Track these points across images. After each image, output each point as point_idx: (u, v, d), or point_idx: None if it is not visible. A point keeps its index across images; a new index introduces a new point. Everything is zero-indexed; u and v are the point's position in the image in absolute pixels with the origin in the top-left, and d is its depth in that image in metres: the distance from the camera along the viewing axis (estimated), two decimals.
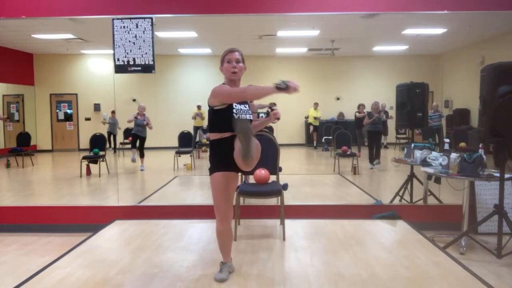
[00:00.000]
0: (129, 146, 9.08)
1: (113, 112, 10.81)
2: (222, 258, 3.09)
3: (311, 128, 12.01)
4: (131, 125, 8.98)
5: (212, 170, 2.84)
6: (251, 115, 2.86)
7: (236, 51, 2.86)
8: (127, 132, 9.78)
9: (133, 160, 8.84)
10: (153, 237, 3.98)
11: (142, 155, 8.82)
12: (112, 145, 10.83)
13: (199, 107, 10.62)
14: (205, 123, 10.61)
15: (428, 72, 9.88)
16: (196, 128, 10.55)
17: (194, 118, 10.57)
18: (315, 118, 11.76)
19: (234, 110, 2.76)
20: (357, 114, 9.37)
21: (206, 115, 10.41)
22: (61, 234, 4.37)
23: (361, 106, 9.75)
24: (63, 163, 11.25)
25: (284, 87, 2.41)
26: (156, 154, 11.19)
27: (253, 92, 2.65)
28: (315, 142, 11.97)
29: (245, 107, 2.86)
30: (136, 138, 8.84)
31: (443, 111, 9.69)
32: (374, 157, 8.56)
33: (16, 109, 12.15)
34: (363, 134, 9.68)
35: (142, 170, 8.70)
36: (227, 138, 2.77)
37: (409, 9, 4.59)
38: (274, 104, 3.02)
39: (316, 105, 11.85)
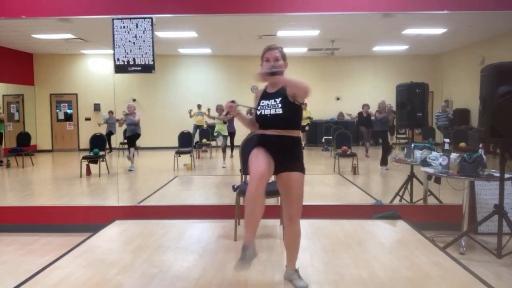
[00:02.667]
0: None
1: (111, 112, 10.79)
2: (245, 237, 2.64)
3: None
4: (125, 126, 8.94)
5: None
6: (280, 109, 2.58)
7: (274, 48, 2.67)
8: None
9: (129, 158, 8.75)
10: (153, 237, 3.98)
11: (131, 146, 8.76)
12: (112, 145, 10.79)
13: (199, 106, 10.61)
14: (202, 122, 10.61)
15: (428, 72, 9.88)
16: (196, 127, 10.53)
17: (191, 116, 10.57)
18: (307, 117, 11.72)
19: (259, 107, 2.66)
20: (377, 114, 9.00)
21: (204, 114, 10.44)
22: (61, 234, 4.37)
23: (365, 106, 9.77)
24: (63, 163, 11.25)
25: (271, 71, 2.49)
26: (156, 154, 11.20)
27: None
28: (303, 142, 11.89)
29: (275, 101, 2.62)
30: (129, 139, 8.77)
31: (447, 111, 9.72)
32: (388, 153, 8.40)
33: (16, 109, 12.15)
34: (368, 132, 9.66)
35: (131, 170, 8.62)
36: (261, 136, 2.68)
37: (409, 9, 4.58)
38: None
39: (305, 105, 11.81)
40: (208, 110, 10.31)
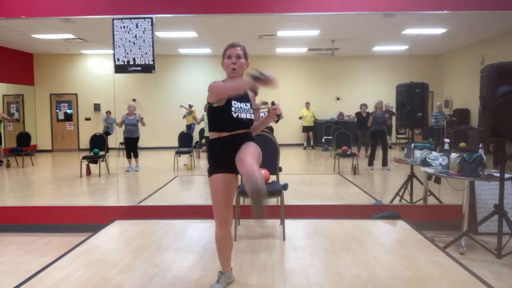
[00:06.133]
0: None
1: (108, 112, 10.71)
2: (220, 266, 2.89)
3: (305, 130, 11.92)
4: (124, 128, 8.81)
5: (210, 172, 2.65)
6: (252, 115, 2.66)
7: (237, 46, 2.67)
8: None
9: (129, 170, 8.76)
10: (153, 237, 3.98)
11: (136, 156, 8.76)
12: (109, 146, 10.69)
13: (190, 106, 10.61)
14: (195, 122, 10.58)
15: (428, 72, 9.88)
16: (188, 127, 10.51)
17: (184, 117, 10.54)
18: (310, 117, 11.69)
19: (233, 109, 2.58)
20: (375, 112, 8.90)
21: (198, 115, 10.44)
22: (61, 234, 4.37)
23: (363, 106, 9.74)
24: (63, 163, 11.25)
25: (259, 77, 2.27)
26: (156, 154, 11.19)
27: (230, 86, 2.51)
28: (311, 141, 11.90)
29: (246, 105, 2.64)
30: (128, 141, 8.71)
31: (443, 111, 9.72)
32: (383, 158, 8.38)
33: (16, 109, 12.14)
34: (364, 134, 9.65)
35: (137, 170, 8.71)
36: (226, 137, 2.59)
37: (409, 9, 4.59)
38: (273, 103, 2.80)
39: (307, 104, 11.77)
40: (190, 106, 10.31)
